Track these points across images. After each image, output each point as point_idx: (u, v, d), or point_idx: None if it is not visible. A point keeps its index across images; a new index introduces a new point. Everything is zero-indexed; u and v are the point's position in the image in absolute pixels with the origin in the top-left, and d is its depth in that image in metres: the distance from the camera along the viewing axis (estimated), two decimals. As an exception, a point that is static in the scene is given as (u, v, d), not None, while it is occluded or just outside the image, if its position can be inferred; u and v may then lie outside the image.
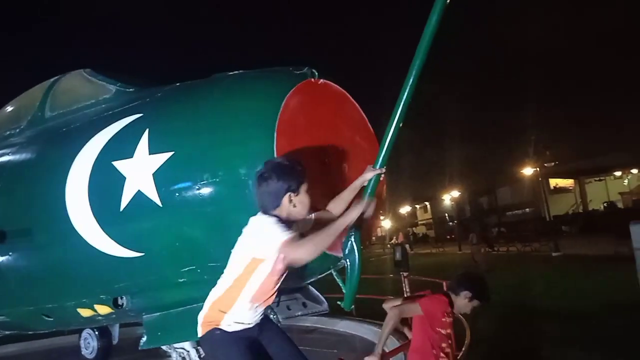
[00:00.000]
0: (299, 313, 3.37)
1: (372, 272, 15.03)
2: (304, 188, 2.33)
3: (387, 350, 3.79)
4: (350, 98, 3.43)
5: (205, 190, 2.77)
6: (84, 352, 7.14)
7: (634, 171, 44.44)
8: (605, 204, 39.33)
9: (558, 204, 41.47)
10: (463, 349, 5.49)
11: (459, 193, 50.43)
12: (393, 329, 3.44)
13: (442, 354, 3.48)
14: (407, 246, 16.54)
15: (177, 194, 2.85)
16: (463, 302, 3.47)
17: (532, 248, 25.13)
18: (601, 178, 47.75)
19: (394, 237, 29.78)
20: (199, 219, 2.83)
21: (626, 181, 46.15)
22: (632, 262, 9.61)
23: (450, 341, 3.55)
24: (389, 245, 26.08)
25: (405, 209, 64.94)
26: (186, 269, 3.06)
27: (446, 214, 55.93)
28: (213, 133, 2.91)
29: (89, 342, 7.11)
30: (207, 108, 3.09)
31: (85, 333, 7.13)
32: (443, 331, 3.54)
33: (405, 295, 4.96)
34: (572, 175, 47.87)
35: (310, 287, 3.45)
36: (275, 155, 2.65)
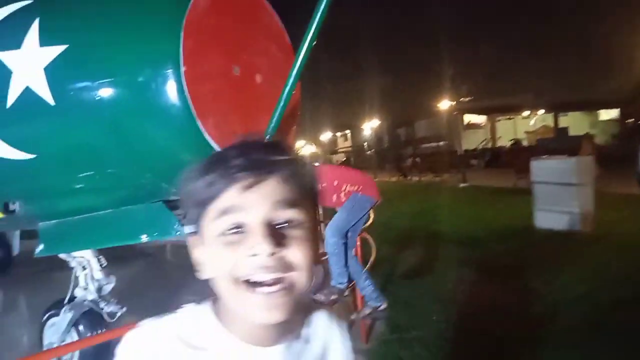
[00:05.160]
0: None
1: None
2: None
3: None
4: (268, 5, 3.26)
5: (103, 91, 2.53)
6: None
7: (540, 112, 47.45)
8: (511, 141, 41.78)
9: (470, 139, 43.61)
10: (367, 266, 5.82)
11: (379, 123, 51.56)
12: None
13: None
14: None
15: (72, 93, 2.59)
16: None
17: (442, 179, 26.63)
18: (510, 117, 50.60)
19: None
20: (95, 122, 2.60)
21: (532, 121, 49.32)
22: (529, 194, 10.45)
23: None
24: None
25: (326, 136, 65.58)
26: (82, 174, 2.86)
27: (365, 143, 57.21)
28: (113, 28, 2.63)
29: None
30: (108, 0, 2.81)
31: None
32: None
33: None
34: (484, 112, 50.27)
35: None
36: (181, 57, 2.46)
